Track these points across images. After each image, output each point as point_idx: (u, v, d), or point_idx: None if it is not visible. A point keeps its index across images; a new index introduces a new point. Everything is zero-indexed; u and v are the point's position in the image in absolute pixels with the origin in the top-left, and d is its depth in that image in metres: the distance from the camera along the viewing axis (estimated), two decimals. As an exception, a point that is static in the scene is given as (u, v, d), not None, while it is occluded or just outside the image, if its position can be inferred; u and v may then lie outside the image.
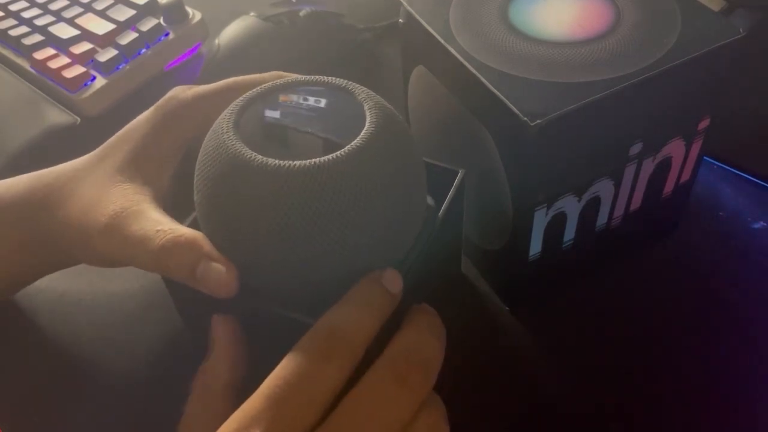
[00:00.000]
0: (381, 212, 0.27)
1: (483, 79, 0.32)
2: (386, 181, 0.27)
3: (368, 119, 0.28)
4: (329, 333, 0.26)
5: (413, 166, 0.29)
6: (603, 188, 0.35)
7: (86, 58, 0.54)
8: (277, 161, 0.26)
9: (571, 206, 0.35)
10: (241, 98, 0.30)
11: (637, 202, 0.38)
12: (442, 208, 0.33)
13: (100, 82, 0.53)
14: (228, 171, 0.27)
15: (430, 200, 0.33)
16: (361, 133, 0.27)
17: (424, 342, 0.27)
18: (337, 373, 0.25)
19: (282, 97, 0.30)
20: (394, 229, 0.28)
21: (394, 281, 0.28)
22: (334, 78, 0.30)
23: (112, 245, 0.31)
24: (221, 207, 0.28)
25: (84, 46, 0.54)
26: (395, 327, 0.28)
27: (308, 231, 0.26)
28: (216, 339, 0.29)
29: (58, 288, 0.42)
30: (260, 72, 0.34)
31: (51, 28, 0.56)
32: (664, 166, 0.37)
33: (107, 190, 0.32)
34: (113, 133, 0.35)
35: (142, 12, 0.56)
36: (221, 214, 0.28)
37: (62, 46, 0.55)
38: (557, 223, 0.35)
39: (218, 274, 0.27)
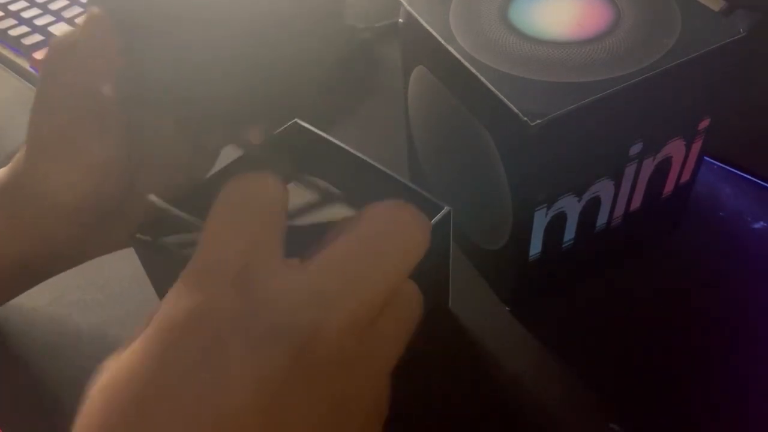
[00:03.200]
0: None
1: (483, 79, 0.32)
2: None
3: None
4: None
5: None
6: (603, 188, 0.35)
7: (86, 58, 0.54)
8: None
9: (571, 206, 0.35)
10: None
11: (637, 202, 0.38)
12: None
13: (100, 82, 0.53)
14: None
15: None
16: None
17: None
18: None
19: None
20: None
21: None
22: None
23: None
24: None
25: (84, 46, 0.54)
26: None
27: None
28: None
29: (57, 288, 0.42)
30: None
31: (51, 28, 0.56)
32: (664, 166, 0.37)
33: None
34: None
35: (142, 12, 0.56)
36: None
37: (62, 46, 0.55)
38: (557, 223, 0.35)
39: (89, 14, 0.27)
